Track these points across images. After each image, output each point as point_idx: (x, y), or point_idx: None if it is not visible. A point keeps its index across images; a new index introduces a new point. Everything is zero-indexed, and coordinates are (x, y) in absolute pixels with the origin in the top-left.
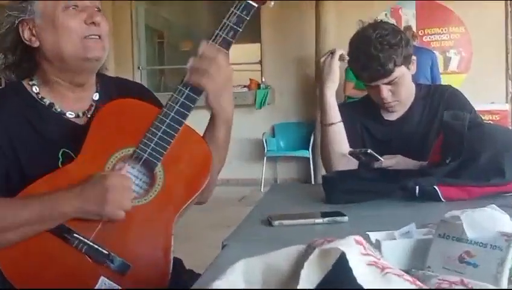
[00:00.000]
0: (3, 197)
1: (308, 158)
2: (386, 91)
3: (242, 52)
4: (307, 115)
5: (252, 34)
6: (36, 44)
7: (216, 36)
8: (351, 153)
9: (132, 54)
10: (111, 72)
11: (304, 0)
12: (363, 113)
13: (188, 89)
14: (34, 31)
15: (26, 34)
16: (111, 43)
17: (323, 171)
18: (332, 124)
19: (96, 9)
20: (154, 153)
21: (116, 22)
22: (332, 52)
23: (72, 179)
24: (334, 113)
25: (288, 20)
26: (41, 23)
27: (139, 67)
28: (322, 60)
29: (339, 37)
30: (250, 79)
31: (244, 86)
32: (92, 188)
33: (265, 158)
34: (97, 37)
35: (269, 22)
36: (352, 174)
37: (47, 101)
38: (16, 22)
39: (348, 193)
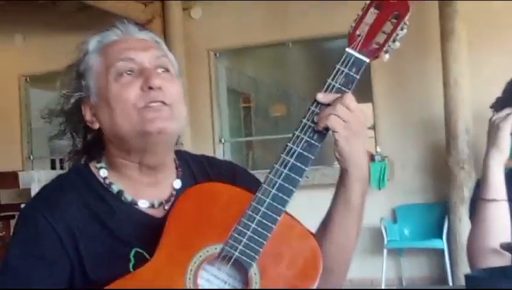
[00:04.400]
0: None
1: (443, 250)
2: None
3: None
4: (437, 193)
5: (361, 91)
6: (96, 126)
7: (318, 104)
8: (503, 247)
9: (212, 124)
10: (186, 147)
11: (425, 46)
12: None
13: (292, 157)
14: (93, 111)
15: (87, 116)
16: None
17: (464, 268)
18: (494, 200)
19: (160, 70)
20: (247, 251)
21: (190, 85)
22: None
23: (146, 287)
24: (499, 187)
25: (407, 72)
26: (97, 100)
27: (221, 140)
28: (494, 118)
29: (473, 90)
30: None
31: None
32: None
33: (385, 251)
34: (159, 104)
35: (382, 75)
36: (506, 272)
37: (115, 189)
38: (72, 102)
39: None
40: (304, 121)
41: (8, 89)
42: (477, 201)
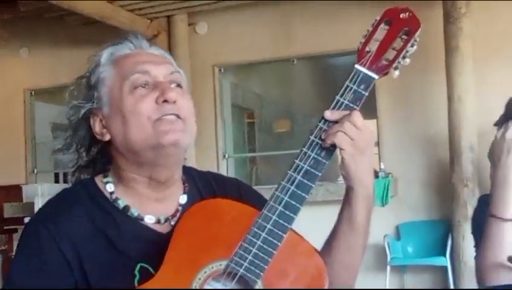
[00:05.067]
0: None
1: (446, 267)
2: None
3: None
4: (441, 210)
5: (365, 107)
6: (107, 137)
7: (326, 122)
8: (510, 259)
9: (216, 139)
10: (190, 162)
11: (430, 62)
12: None
13: (299, 174)
14: (104, 123)
15: (97, 127)
16: None
17: (467, 285)
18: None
19: (173, 84)
20: (252, 268)
21: (195, 100)
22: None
23: None
24: None
25: (411, 89)
26: (109, 111)
27: (224, 155)
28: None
29: (478, 107)
30: None
31: None
32: None
33: (388, 268)
34: (173, 117)
35: (387, 91)
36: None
37: (121, 204)
38: (82, 112)
39: None
40: (312, 137)
41: (13, 103)
42: (489, 219)
